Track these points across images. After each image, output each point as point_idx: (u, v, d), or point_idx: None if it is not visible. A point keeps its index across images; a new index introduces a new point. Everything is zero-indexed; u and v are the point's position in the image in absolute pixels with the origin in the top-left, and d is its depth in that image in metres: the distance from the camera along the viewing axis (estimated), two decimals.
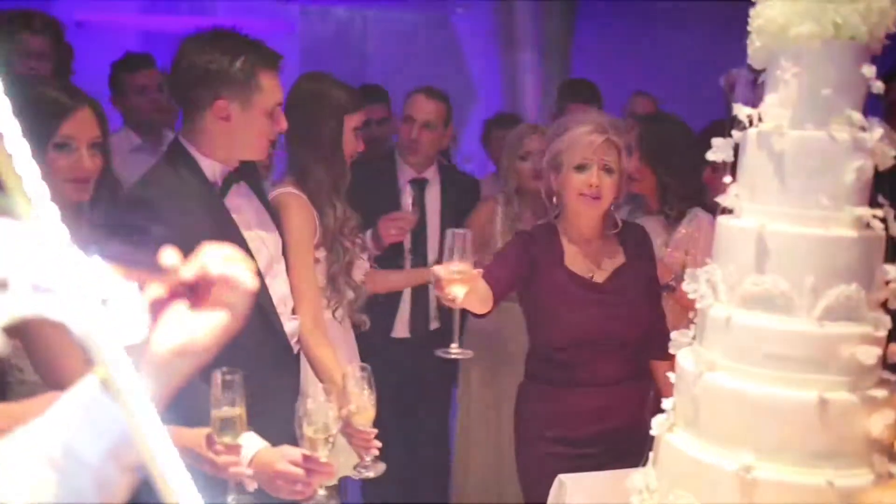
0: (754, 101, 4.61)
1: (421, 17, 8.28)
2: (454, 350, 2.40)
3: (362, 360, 3.14)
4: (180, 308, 0.94)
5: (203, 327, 0.94)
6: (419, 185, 3.63)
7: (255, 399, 2.03)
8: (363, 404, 2.01)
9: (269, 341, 2.24)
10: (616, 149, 2.61)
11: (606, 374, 2.61)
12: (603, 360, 2.61)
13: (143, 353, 0.90)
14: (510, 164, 3.63)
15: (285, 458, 1.88)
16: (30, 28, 3.25)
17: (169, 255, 0.94)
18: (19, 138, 0.71)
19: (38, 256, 0.68)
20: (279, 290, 2.39)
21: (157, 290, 0.93)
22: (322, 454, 1.89)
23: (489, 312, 2.51)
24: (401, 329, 3.57)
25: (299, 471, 1.87)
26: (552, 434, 2.63)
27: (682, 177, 3.25)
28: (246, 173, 2.35)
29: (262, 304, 2.24)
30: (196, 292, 0.95)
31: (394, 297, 3.52)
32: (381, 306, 3.42)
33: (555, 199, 2.68)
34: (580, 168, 2.58)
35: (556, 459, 2.57)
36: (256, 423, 1.92)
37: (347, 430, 2.10)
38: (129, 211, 2.11)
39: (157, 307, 0.93)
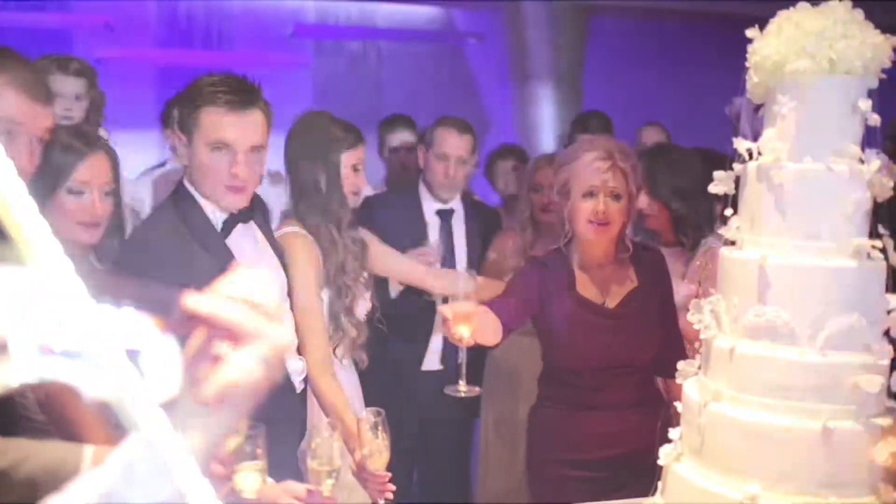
0: (758, 129, 4.64)
1: (434, 49, 8.39)
2: (462, 388, 2.41)
3: (391, 391, 3.18)
4: (218, 351, 0.86)
5: (246, 369, 0.85)
6: (445, 216, 3.65)
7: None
8: (377, 448, 2.03)
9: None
10: (622, 174, 2.62)
11: (618, 399, 2.61)
12: (615, 384, 2.62)
13: (180, 405, 0.81)
14: (525, 195, 3.69)
15: (288, 492, 1.90)
16: (66, 71, 3.35)
17: (192, 300, 0.88)
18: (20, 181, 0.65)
19: (49, 310, 0.62)
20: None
21: (195, 337, 0.87)
22: (325, 488, 1.91)
23: (500, 343, 2.55)
24: (432, 361, 3.57)
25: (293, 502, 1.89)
26: (564, 457, 2.63)
27: (694, 205, 3.26)
28: (252, 214, 2.38)
29: None
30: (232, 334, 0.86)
31: (425, 330, 3.52)
32: (411, 339, 3.45)
33: (566, 226, 2.72)
34: (587, 195, 2.60)
35: (569, 482, 2.58)
36: None
37: (362, 474, 2.11)
38: (131, 252, 2.17)
39: (194, 354, 0.86)
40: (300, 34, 7.92)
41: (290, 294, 2.50)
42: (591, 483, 2.56)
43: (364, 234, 2.93)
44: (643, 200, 3.10)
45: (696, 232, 3.27)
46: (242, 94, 2.17)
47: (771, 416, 1.71)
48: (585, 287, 2.67)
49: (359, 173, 2.88)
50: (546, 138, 6.90)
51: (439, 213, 3.63)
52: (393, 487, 2.11)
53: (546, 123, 6.88)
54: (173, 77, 7.98)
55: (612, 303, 2.66)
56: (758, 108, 4.83)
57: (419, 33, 8.41)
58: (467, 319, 2.22)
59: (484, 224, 3.76)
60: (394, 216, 3.46)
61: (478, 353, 2.64)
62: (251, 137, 2.20)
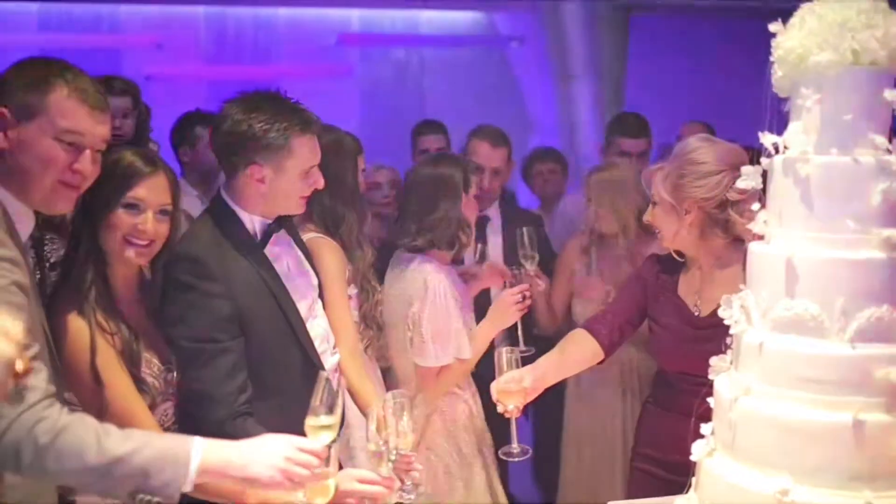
0: None
1: (477, 54, 8.42)
2: (515, 449, 2.54)
3: None
4: None
5: None
6: (481, 223, 3.63)
7: (298, 429, 2.14)
8: (402, 430, 2.09)
9: (310, 378, 2.34)
10: (659, 182, 2.56)
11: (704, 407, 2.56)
12: (703, 392, 2.57)
13: None
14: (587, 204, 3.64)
15: (351, 477, 2.02)
16: (112, 90, 3.49)
17: None
18: None
19: None
20: (320, 328, 2.50)
21: None
22: (383, 469, 2.04)
23: (603, 361, 2.70)
24: None
25: (365, 487, 2.02)
26: (646, 452, 2.69)
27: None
28: (285, 220, 2.47)
29: (304, 346, 2.37)
30: None
31: None
32: None
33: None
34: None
35: (647, 478, 2.63)
36: None
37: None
38: (178, 267, 2.24)
39: None
40: (345, 43, 8.02)
41: (321, 295, 2.59)
42: (668, 485, 2.43)
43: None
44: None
45: None
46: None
47: (801, 409, 1.70)
48: (686, 291, 2.63)
49: (361, 177, 2.98)
50: (588, 139, 6.89)
51: (475, 221, 3.65)
52: (419, 467, 2.19)
53: (589, 123, 6.87)
54: (223, 92, 8.16)
55: (706, 310, 2.54)
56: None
57: (462, 39, 8.45)
58: (512, 393, 2.40)
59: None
60: None
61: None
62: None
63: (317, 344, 2.41)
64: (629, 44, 7.05)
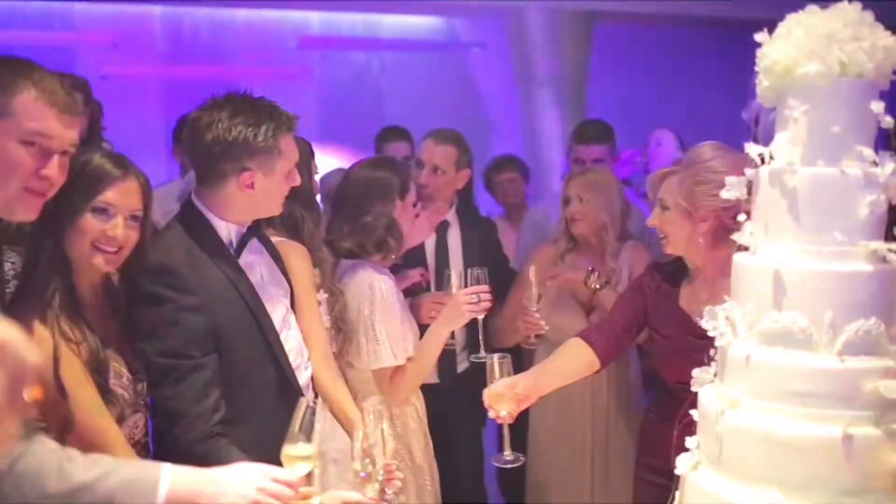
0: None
1: (437, 59, 8.39)
2: (508, 456, 2.55)
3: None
4: None
5: None
6: (440, 228, 3.64)
7: (273, 449, 2.06)
8: (382, 437, 2.04)
9: (285, 395, 2.27)
10: (673, 187, 2.53)
11: (687, 418, 2.52)
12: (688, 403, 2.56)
13: None
14: (562, 207, 3.59)
15: (336, 499, 1.95)
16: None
17: None
18: None
19: None
20: (294, 341, 2.42)
21: None
22: (369, 490, 1.96)
23: (600, 371, 2.68)
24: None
25: None
26: (649, 462, 2.67)
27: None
28: (255, 225, 2.39)
29: (280, 363, 2.29)
30: None
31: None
32: None
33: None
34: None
35: (651, 487, 2.61)
36: None
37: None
38: (149, 279, 2.14)
39: None
40: (305, 46, 7.93)
41: (292, 304, 2.51)
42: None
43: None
44: None
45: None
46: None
47: (790, 423, 1.68)
48: (690, 301, 2.61)
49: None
50: (550, 145, 6.90)
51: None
52: (401, 475, 2.12)
53: (551, 130, 6.88)
54: (179, 93, 8.01)
55: None
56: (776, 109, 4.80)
57: (423, 44, 8.42)
58: (504, 399, 2.39)
59: (481, 236, 3.75)
60: None
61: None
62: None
63: (291, 358, 2.33)
64: (591, 49, 7.08)
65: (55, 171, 1.79)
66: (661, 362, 2.70)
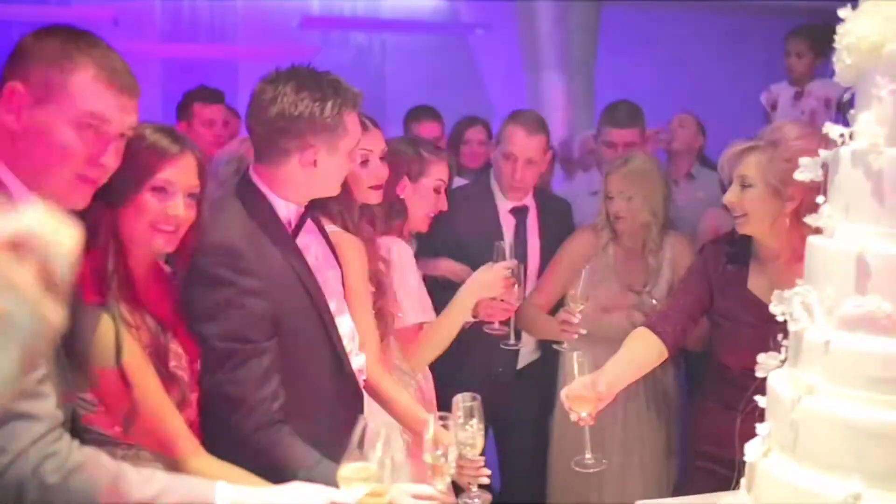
0: (797, 118, 4.54)
1: (439, 41, 8.31)
2: (589, 459, 2.45)
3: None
4: None
5: None
6: (520, 214, 3.51)
7: (325, 437, 2.02)
8: (471, 435, 1.98)
9: (339, 380, 2.21)
10: (760, 164, 2.45)
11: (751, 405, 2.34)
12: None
13: None
14: (601, 200, 3.40)
15: (404, 493, 1.86)
16: None
17: None
18: None
19: None
20: (347, 326, 2.33)
21: None
22: (439, 484, 1.90)
23: (668, 358, 2.59)
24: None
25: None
26: (708, 450, 2.61)
27: None
28: (309, 207, 2.29)
29: (334, 343, 2.20)
30: None
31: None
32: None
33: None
34: (729, 183, 2.51)
35: (709, 476, 2.53)
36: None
37: (457, 461, 2.02)
38: (211, 259, 2.03)
39: None
40: (307, 25, 7.83)
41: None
42: (730, 482, 2.41)
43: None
44: None
45: None
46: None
47: (872, 410, 1.64)
48: (757, 283, 2.54)
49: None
50: (556, 129, 6.83)
51: (514, 211, 3.48)
52: (488, 472, 2.07)
53: (557, 114, 6.81)
54: (179, 70, 7.89)
55: None
56: (797, 94, 4.73)
57: (425, 25, 8.34)
58: (586, 400, 2.28)
59: (557, 219, 3.61)
60: (467, 214, 3.34)
61: None
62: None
63: (344, 343, 2.26)
64: (599, 32, 7.02)
65: (113, 158, 1.67)
66: (726, 349, 2.63)
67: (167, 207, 1.91)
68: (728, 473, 2.38)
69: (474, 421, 1.96)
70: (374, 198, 2.70)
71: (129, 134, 1.74)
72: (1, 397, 0.90)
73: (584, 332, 2.96)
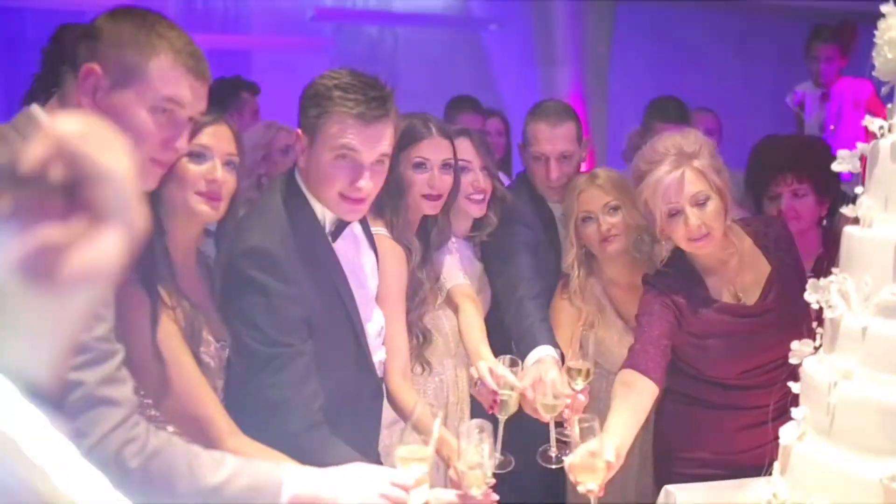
0: (823, 118, 4.56)
1: (452, 35, 8.33)
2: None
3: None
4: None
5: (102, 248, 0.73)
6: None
7: (347, 432, 2.06)
8: (479, 462, 1.90)
9: (361, 380, 2.23)
10: (702, 174, 2.34)
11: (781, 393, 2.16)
12: (764, 383, 2.40)
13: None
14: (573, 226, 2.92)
15: (442, 500, 1.90)
16: None
17: None
18: None
19: None
20: (377, 325, 2.32)
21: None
22: (474, 490, 1.89)
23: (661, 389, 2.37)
24: None
25: None
26: (700, 456, 2.51)
27: None
28: None
29: (362, 347, 2.20)
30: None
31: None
32: None
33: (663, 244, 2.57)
34: (673, 215, 2.35)
35: (694, 482, 2.42)
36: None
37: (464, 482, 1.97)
38: (249, 261, 2.02)
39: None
40: (320, 17, 7.85)
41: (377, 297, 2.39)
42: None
43: None
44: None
45: None
46: (375, 103, 2.03)
47: None
48: (718, 290, 2.46)
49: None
50: None
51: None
52: (496, 497, 1.98)
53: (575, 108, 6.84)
54: None
55: (750, 299, 2.44)
56: (823, 96, 4.74)
57: (439, 18, 8.36)
58: (594, 470, 2.00)
59: None
60: (528, 216, 3.03)
61: None
62: (379, 147, 2.05)
63: (370, 340, 2.25)
64: (614, 29, 7.06)
65: (185, 142, 1.70)
66: (715, 365, 2.46)
67: (206, 171, 1.94)
68: (724, 474, 2.36)
69: (484, 446, 1.91)
70: (430, 209, 2.61)
71: (198, 119, 1.77)
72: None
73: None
